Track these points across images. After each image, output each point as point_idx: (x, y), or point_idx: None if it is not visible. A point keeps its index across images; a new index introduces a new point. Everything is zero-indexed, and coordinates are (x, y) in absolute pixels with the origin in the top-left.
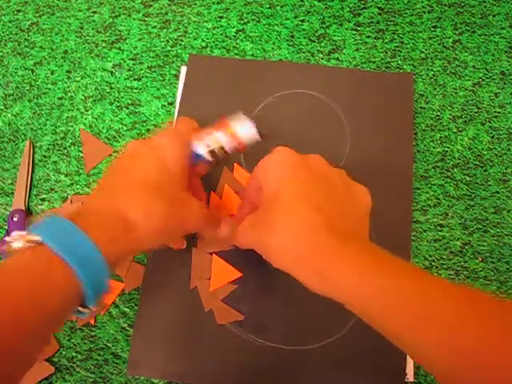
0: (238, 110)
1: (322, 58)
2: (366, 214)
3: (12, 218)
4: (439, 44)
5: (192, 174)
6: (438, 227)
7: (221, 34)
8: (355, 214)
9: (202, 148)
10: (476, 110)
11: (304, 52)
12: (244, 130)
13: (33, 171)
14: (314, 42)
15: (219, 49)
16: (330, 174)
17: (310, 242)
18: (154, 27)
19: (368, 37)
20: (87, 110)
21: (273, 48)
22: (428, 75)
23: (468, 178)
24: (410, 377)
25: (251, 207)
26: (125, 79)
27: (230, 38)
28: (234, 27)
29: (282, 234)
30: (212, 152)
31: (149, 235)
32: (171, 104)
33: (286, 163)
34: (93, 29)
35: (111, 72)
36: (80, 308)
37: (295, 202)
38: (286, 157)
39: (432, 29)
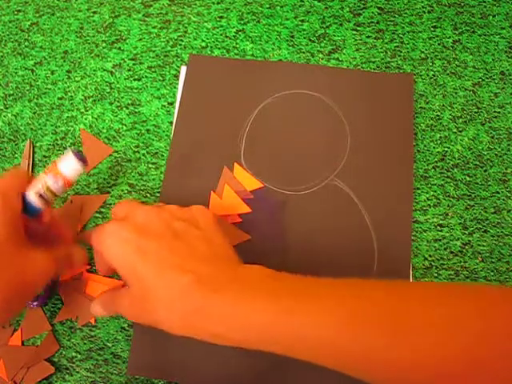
0: (70, 148)
1: (322, 58)
2: (224, 235)
3: None
4: (439, 44)
5: (36, 227)
6: (438, 227)
7: (221, 34)
8: (216, 245)
9: (31, 195)
10: (476, 110)
11: (304, 52)
12: (66, 165)
13: (33, 171)
14: (313, 42)
15: (219, 49)
16: (168, 224)
17: (189, 308)
18: (154, 27)
19: (368, 37)
20: (87, 110)
21: (273, 48)
22: (428, 75)
23: (468, 178)
24: None
25: (108, 271)
26: (125, 79)
27: (230, 38)
28: (234, 27)
29: (162, 310)
30: (41, 197)
31: None
32: (171, 104)
33: (118, 240)
34: (93, 29)
35: (111, 72)
36: None
37: (156, 275)
38: (114, 234)
39: (432, 29)
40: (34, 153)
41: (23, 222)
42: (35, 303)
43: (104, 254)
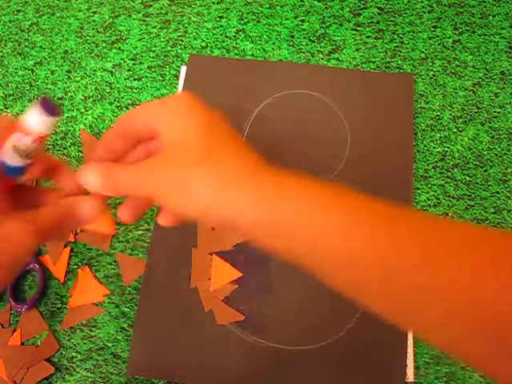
0: (41, 97)
1: (322, 58)
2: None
3: None
4: (439, 44)
5: (8, 189)
6: None
7: (221, 34)
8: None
9: (8, 156)
10: (476, 110)
11: (304, 52)
12: (32, 119)
13: None
14: (313, 42)
15: (219, 49)
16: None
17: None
18: (154, 27)
19: (368, 37)
20: (87, 110)
21: (273, 48)
22: (428, 75)
23: (468, 178)
24: (410, 377)
25: (108, 155)
26: (125, 79)
27: (230, 38)
28: (234, 27)
29: (199, 179)
30: (21, 154)
31: None
32: None
33: (195, 107)
34: (93, 29)
35: (111, 72)
36: None
37: (211, 151)
38: (192, 102)
39: (432, 29)
40: None
41: (8, 183)
42: (25, 307)
43: (168, 115)
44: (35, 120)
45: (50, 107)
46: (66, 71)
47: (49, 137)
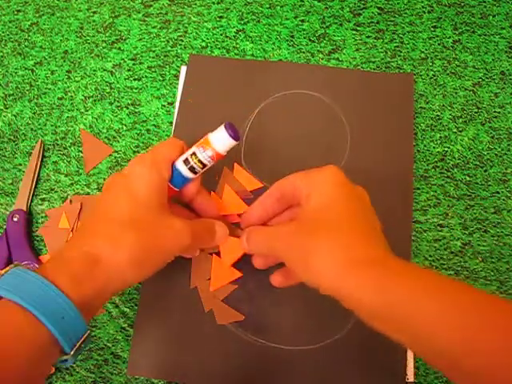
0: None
1: (322, 58)
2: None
3: (12, 218)
4: (439, 44)
5: (178, 196)
6: (438, 227)
7: (221, 34)
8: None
9: (180, 165)
10: (476, 110)
11: (304, 52)
12: (217, 137)
13: (40, 171)
14: (313, 42)
15: (219, 49)
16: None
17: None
18: (154, 27)
19: (368, 37)
20: (87, 110)
21: (273, 48)
22: (428, 75)
23: (468, 178)
24: (410, 377)
25: (263, 215)
26: (125, 79)
27: (230, 38)
28: (234, 27)
29: (336, 245)
30: (191, 167)
31: (120, 269)
32: (171, 104)
33: (341, 183)
34: (93, 29)
35: (111, 72)
36: (64, 356)
37: (351, 220)
38: (339, 177)
39: (432, 29)
40: (43, 154)
41: (169, 191)
42: (67, 363)
43: (315, 183)
44: (221, 139)
45: (234, 132)
46: (66, 71)
47: (222, 159)
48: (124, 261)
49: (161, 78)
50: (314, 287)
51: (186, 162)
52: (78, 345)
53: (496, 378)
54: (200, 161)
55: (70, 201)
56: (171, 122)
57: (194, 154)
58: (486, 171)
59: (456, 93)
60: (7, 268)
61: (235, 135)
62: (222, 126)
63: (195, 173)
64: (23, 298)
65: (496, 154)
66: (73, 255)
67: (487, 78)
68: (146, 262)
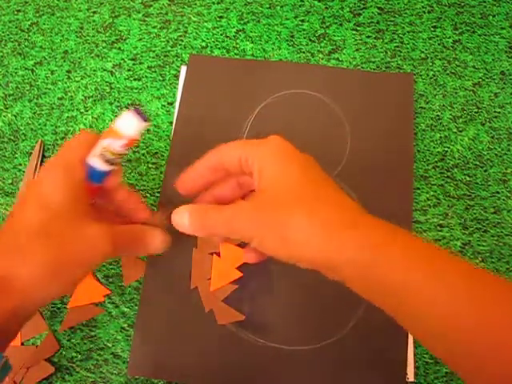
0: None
1: (322, 58)
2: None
3: None
4: (439, 44)
5: (99, 193)
6: (438, 227)
7: (221, 34)
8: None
9: (94, 160)
10: (476, 110)
11: (304, 52)
12: (123, 123)
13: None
14: (313, 42)
15: (219, 49)
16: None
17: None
18: (154, 27)
19: (368, 37)
20: (87, 110)
21: (273, 48)
22: (428, 75)
23: (468, 178)
24: (411, 377)
25: (197, 182)
26: (125, 79)
27: (230, 38)
28: (234, 27)
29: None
30: (106, 160)
31: (34, 285)
32: (171, 104)
33: (292, 152)
34: (93, 29)
35: (111, 72)
36: None
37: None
38: (288, 146)
39: (432, 29)
40: (43, 154)
41: (90, 190)
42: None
43: (263, 157)
44: (128, 125)
45: (142, 114)
46: (66, 71)
47: (138, 142)
48: (36, 276)
49: (161, 78)
50: (292, 262)
51: (100, 156)
52: None
53: (473, 354)
54: (115, 151)
55: None
56: (171, 122)
57: (106, 146)
58: (485, 171)
59: (456, 93)
60: None
61: (142, 115)
62: (127, 111)
63: (113, 164)
64: None
65: (496, 154)
66: None
67: (487, 78)
68: (63, 274)
